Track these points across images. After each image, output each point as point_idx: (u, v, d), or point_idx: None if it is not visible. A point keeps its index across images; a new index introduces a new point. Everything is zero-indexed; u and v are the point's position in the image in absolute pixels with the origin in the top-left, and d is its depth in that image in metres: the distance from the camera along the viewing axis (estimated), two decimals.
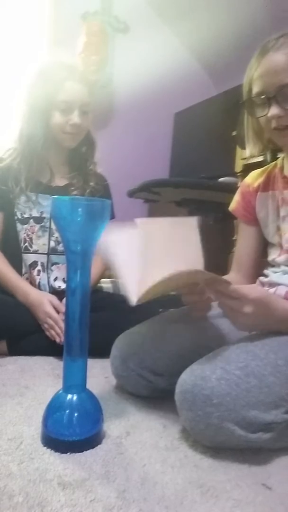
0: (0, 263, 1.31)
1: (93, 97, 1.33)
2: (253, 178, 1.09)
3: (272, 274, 1.01)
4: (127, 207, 2.32)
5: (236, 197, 1.13)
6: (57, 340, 1.19)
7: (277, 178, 1.02)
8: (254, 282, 1.06)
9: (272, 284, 1.00)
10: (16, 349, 1.23)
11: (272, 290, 0.98)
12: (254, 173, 1.11)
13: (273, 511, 0.62)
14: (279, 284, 0.97)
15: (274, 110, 0.86)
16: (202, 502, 0.63)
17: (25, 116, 1.31)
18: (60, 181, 1.38)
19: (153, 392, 0.96)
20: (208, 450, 0.77)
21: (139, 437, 0.80)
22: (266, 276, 1.04)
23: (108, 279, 1.93)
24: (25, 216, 1.33)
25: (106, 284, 1.87)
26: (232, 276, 1.13)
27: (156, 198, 2.10)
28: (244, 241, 1.13)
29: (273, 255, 1.03)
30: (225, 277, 1.13)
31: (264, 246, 1.09)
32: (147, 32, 2.73)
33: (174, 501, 0.62)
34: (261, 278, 1.05)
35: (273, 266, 1.03)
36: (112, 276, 2.17)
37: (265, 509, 0.62)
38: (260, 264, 1.09)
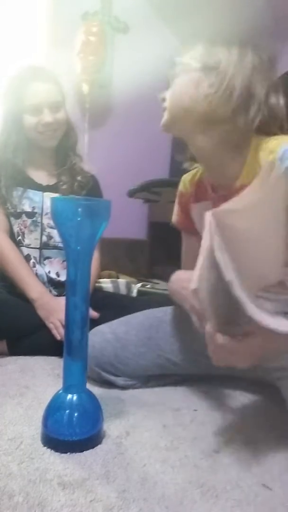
0: (15, 258, 1.31)
1: (63, 93, 1.34)
2: (185, 186, 1.03)
3: None
4: (127, 207, 2.33)
5: (176, 209, 1.07)
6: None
7: (208, 188, 0.95)
8: None
9: None
10: (16, 349, 1.23)
11: None
12: (184, 179, 1.04)
13: (273, 511, 0.62)
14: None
15: None
16: (202, 502, 0.63)
17: (1, 124, 1.34)
18: (49, 179, 1.41)
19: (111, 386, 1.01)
20: (208, 450, 0.77)
21: (139, 437, 0.80)
22: None
23: (108, 279, 1.93)
24: (18, 210, 1.35)
25: (106, 284, 1.87)
26: None
27: (156, 198, 2.10)
28: (187, 250, 1.08)
29: None
30: None
31: None
32: (147, 32, 2.73)
33: (174, 501, 0.62)
34: None
35: None
36: (112, 276, 2.17)
37: (265, 509, 0.62)
38: None
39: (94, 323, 1.15)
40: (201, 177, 0.98)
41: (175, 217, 1.08)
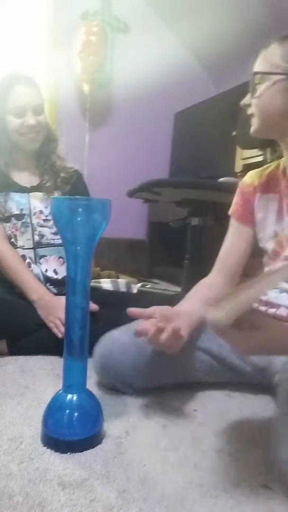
0: (14, 261, 1.32)
1: (43, 97, 1.38)
2: (252, 178, 1.07)
3: (270, 292, 0.99)
4: (127, 207, 2.33)
5: (236, 199, 1.10)
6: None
7: (280, 181, 1.00)
8: (235, 285, 1.04)
9: (270, 304, 0.98)
10: (16, 348, 1.23)
11: (271, 310, 0.97)
12: (252, 173, 1.08)
13: (273, 511, 0.62)
14: (279, 305, 0.96)
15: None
16: (202, 502, 0.63)
17: None
18: (32, 180, 1.42)
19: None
20: (208, 450, 0.77)
21: (139, 437, 0.80)
22: None
23: (108, 279, 1.94)
24: (6, 214, 1.36)
25: (106, 284, 1.87)
26: (212, 278, 1.08)
27: (156, 198, 2.10)
28: (234, 240, 1.08)
29: (270, 265, 1.01)
30: (205, 279, 1.08)
31: (252, 251, 1.06)
32: (147, 32, 2.73)
33: (174, 501, 0.62)
34: None
35: None
36: (112, 276, 2.18)
37: (265, 509, 0.62)
38: (242, 267, 1.06)
39: (94, 321, 1.16)
40: (273, 171, 1.02)
41: (233, 206, 1.10)
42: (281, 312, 0.96)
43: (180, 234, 2.10)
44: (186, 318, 0.90)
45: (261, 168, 1.07)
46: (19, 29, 2.43)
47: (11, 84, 1.32)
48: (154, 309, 0.87)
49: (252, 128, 0.92)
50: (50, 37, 2.52)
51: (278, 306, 0.97)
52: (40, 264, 1.37)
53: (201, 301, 0.97)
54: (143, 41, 2.69)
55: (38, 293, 1.29)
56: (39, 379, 1.06)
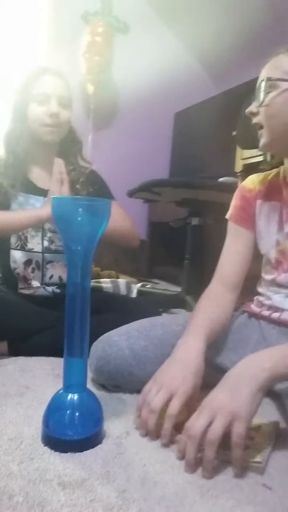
0: (4, 216, 1.26)
1: (71, 94, 1.33)
2: (254, 183, 1.04)
3: (274, 297, 0.98)
4: (127, 207, 2.32)
5: (235, 202, 1.06)
6: None
7: (281, 189, 0.98)
8: (238, 295, 1.01)
9: (274, 308, 0.98)
10: (17, 350, 1.23)
11: (275, 315, 0.97)
12: (254, 178, 1.05)
13: (273, 511, 0.62)
14: (283, 310, 0.96)
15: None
16: (202, 502, 0.63)
17: (10, 116, 1.33)
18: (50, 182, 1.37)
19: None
20: None
21: (139, 437, 0.80)
22: (266, 297, 1.00)
23: (108, 279, 1.94)
24: None
25: (106, 284, 1.87)
26: (214, 290, 1.02)
27: (156, 198, 2.10)
28: (233, 245, 1.04)
29: (271, 274, 0.99)
30: (207, 292, 1.02)
31: (254, 257, 1.03)
32: (147, 32, 2.73)
33: (174, 501, 0.62)
34: (262, 299, 1.02)
35: (273, 285, 0.99)
36: (112, 276, 2.18)
37: (265, 509, 0.62)
38: (244, 276, 1.02)
39: (96, 323, 1.16)
40: (274, 178, 1.00)
41: (231, 210, 1.06)
42: (285, 316, 0.95)
43: (180, 234, 2.10)
44: (190, 377, 0.82)
45: (263, 174, 1.05)
46: (19, 29, 2.43)
47: (40, 73, 1.29)
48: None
49: (262, 142, 0.89)
50: (51, 37, 2.52)
51: (282, 310, 0.96)
52: (47, 269, 1.36)
53: (207, 329, 0.91)
54: (143, 41, 2.69)
55: (37, 212, 1.24)
56: (39, 379, 1.06)
